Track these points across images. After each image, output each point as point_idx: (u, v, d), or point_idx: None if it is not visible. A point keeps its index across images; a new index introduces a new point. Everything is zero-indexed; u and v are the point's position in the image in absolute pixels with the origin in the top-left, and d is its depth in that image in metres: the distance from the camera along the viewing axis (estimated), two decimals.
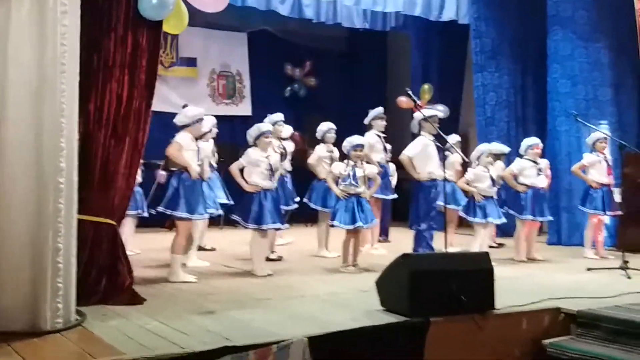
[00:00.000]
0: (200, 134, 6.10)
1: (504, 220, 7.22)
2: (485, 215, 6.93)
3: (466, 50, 11.34)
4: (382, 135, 8.14)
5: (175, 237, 5.55)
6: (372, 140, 7.84)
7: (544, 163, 7.82)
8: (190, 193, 5.46)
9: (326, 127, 8.27)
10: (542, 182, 7.50)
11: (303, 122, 13.12)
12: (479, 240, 6.90)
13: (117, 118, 4.51)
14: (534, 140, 7.67)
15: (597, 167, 7.61)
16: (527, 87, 10.53)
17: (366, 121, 8.37)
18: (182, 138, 5.62)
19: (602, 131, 8.21)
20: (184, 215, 5.43)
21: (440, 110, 11.11)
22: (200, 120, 5.83)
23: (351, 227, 6.18)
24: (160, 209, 5.48)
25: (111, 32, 4.50)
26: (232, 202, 7.19)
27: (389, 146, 8.31)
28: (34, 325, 3.54)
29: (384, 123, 8.24)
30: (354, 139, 6.56)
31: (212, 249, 7.82)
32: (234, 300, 4.65)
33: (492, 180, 7.10)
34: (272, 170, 6.09)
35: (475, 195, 7.01)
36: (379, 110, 8.30)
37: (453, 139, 7.94)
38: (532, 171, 7.41)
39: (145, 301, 4.43)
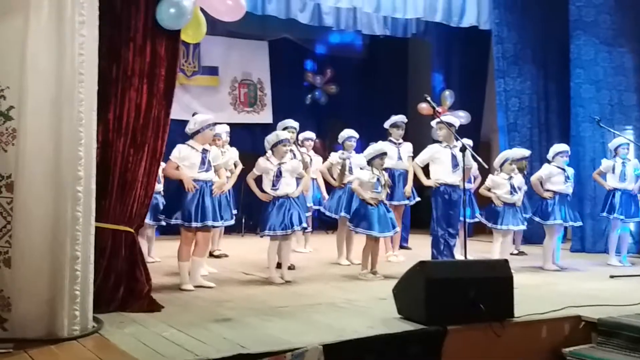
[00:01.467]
0: (211, 140, 6.10)
1: (523, 227, 7.16)
2: (502, 222, 6.87)
3: (488, 56, 11.27)
4: (398, 142, 8.01)
5: (179, 244, 5.58)
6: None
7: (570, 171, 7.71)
8: (188, 201, 5.44)
9: (347, 134, 8.32)
10: (569, 189, 7.40)
11: (324, 129, 13.16)
12: (497, 247, 6.84)
13: (136, 127, 4.56)
14: (563, 147, 7.56)
15: (616, 172, 7.58)
16: (550, 93, 10.44)
17: (386, 125, 8.33)
18: (180, 151, 5.58)
19: (625, 137, 8.12)
20: (179, 222, 5.48)
21: (461, 117, 11.07)
22: (210, 126, 5.80)
23: (382, 234, 6.23)
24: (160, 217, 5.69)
25: (130, 41, 4.55)
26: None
27: (408, 152, 8.16)
28: (51, 333, 3.58)
29: (400, 132, 8.23)
30: (379, 146, 6.52)
31: (222, 256, 7.80)
32: (250, 307, 4.66)
33: (513, 187, 7.04)
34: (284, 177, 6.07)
35: (495, 200, 6.99)
36: (398, 118, 8.22)
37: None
38: (559, 178, 7.31)
39: (162, 308, 4.46)
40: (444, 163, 6.74)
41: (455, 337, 3.97)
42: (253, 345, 3.48)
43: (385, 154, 6.48)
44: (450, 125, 6.69)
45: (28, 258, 3.57)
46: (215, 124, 6.09)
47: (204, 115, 6.03)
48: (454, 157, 6.70)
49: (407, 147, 8.18)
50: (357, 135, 8.47)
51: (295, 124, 7.96)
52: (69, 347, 3.52)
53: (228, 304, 4.83)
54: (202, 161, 5.62)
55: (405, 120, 8.42)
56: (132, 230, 4.51)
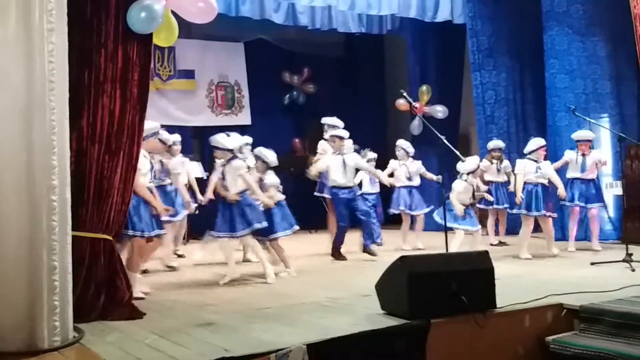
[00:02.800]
0: (159, 148, 6.15)
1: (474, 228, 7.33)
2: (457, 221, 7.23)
3: (463, 49, 11.33)
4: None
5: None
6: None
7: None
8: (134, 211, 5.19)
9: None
10: (540, 180, 7.54)
11: (303, 128, 13.17)
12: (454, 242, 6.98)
13: (111, 133, 4.51)
14: (540, 142, 7.77)
15: (572, 164, 7.88)
16: (526, 84, 10.52)
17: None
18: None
19: (600, 124, 8.21)
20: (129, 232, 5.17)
21: (439, 111, 11.15)
22: (155, 134, 5.70)
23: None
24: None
25: (101, 47, 4.51)
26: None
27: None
28: (31, 345, 3.52)
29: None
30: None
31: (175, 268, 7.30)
32: (233, 310, 4.63)
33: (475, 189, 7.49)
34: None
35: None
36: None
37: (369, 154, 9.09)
38: (531, 168, 7.42)
39: (144, 315, 4.42)
40: (334, 167, 7.74)
41: (439, 330, 3.97)
42: (236, 348, 3.46)
43: None
44: (341, 138, 7.89)
45: (4, 270, 3.51)
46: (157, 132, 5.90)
47: (151, 122, 5.81)
48: (344, 162, 7.71)
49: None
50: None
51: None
52: (50, 358, 3.47)
53: (210, 307, 4.80)
54: (151, 168, 5.54)
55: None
56: (110, 238, 4.47)
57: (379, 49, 13.86)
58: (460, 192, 7.43)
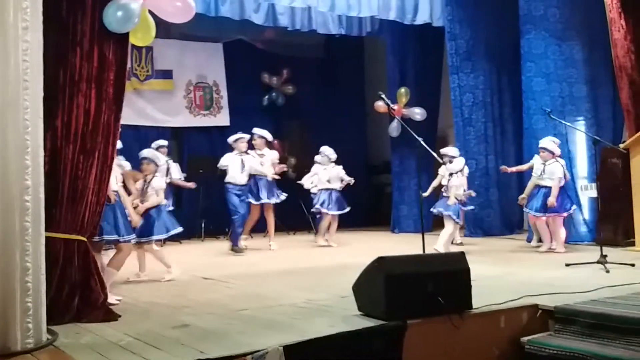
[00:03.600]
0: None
1: None
2: None
3: (442, 52, 11.41)
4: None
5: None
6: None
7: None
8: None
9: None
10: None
11: (282, 130, 13.16)
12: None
13: (86, 133, 4.47)
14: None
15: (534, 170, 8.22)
16: (503, 87, 10.62)
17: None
18: None
19: (576, 127, 8.32)
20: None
21: (417, 113, 11.20)
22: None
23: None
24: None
25: (77, 46, 4.46)
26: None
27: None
28: (3, 347, 3.47)
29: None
30: None
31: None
32: (210, 312, 4.60)
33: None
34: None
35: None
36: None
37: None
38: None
39: (119, 317, 4.37)
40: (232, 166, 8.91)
41: (415, 331, 3.98)
42: (212, 350, 3.44)
43: None
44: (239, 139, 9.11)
45: None
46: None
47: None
48: (242, 162, 8.93)
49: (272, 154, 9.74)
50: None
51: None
52: None
53: (187, 309, 4.76)
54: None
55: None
56: (84, 239, 4.41)
57: (359, 51, 13.90)
58: (457, 186, 8.06)
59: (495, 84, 10.57)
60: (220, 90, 12.54)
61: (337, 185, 9.92)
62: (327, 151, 10.03)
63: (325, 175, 9.94)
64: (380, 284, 4.10)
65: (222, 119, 12.49)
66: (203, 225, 10.99)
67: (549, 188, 7.89)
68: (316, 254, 8.96)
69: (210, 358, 3.30)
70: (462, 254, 4.51)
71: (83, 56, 4.48)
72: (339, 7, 9.74)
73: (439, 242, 7.56)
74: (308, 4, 9.65)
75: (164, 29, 6.03)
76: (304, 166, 12.49)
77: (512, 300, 4.54)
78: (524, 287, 5.05)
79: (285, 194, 9.62)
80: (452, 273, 4.33)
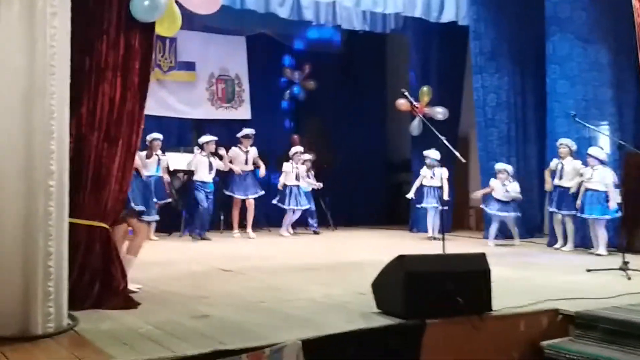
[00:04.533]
0: None
1: None
2: None
3: (465, 51, 11.32)
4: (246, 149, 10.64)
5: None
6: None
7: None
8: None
9: None
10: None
11: (302, 125, 13.15)
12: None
13: (110, 121, 4.48)
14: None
15: (557, 172, 8.66)
16: (527, 89, 10.52)
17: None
18: None
19: (600, 131, 8.24)
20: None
21: (439, 112, 11.14)
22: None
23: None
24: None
25: (103, 34, 4.47)
26: None
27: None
28: (25, 330, 3.49)
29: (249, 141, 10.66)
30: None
31: None
32: (228, 303, 4.61)
33: None
34: None
35: None
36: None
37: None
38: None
39: (139, 305, 4.39)
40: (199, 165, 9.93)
41: (434, 331, 3.96)
42: (231, 341, 3.44)
43: None
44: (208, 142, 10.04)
45: (0, 254, 3.49)
46: None
47: None
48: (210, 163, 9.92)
49: (253, 151, 10.72)
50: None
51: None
52: (44, 344, 3.44)
53: (206, 300, 4.77)
54: None
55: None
56: (107, 226, 4.44)
57: (381, 48, 13.82)
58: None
59: (519, 85, 10.48)
60: (242, 83, 12.55)
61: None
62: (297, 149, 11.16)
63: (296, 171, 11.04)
64: (399, 282, 4.08)
65: (244, 112, 12.49)
66: (222, 217, 11.02)
67: (596, 191, 8.00)
68: (335, 249, 8.95)
69: (229, 349, 3.31)
70: (483, 254, 4.47)
71: (109, 44, 4.49)
72: (364, 2, 9.70)
73: None
74: None
75: (188, 21, 6.02)
76: (323, 162, 12.50)
77: (532, 304, 4.51)
78: (544, 291, 5.00)
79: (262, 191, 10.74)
80: (473, 274, 4.30)
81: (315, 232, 11.34)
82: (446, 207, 10.07)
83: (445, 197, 9.88)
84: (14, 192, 3.53)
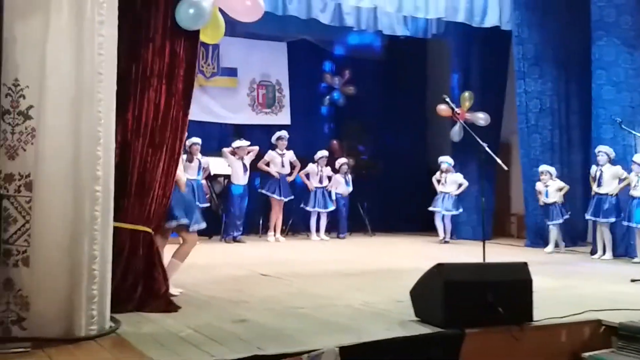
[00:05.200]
0: None
1: None
2: None
3: (508, 56, 11.20)
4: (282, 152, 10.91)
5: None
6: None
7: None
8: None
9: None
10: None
11: (342, 130, 13.17)
12: None
13: (155, 127, 4.56)
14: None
15: (595, 178, 8.72)
16: (571, 94, 10.35)
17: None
18: None
19: None
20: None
21: (481, 118, 11.03)
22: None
23: None
24: None
25: (149, 42, 4.56)
26: None
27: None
28: (68, 332, 3.58)
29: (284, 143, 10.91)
30: None
31: None
32: (267, 308, 4.65)
33: None
34: None
35: None
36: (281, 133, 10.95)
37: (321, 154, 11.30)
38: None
39: (179, 309, 4.46)
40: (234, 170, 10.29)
41: (473, 341, 3.92)
42: (269, 347, 3.47)
43: None
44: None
45: (46, 257, 3.58)
46: None
47: None
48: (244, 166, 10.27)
49: (290, 154, 10.97)
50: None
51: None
52: (87, 346, 3.52)
53: (245, 304, 4.82)
54: None
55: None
56: (150, 230, 4.52)
57: (422, 53, 13.76)
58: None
59: (563, 91, 10.32)
60: (283, 89, 12.64)
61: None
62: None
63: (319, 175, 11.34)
64: (438, 291, 4.05)
65: (284, 117, 12.59)
66: (261, 221, 11.12)
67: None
68: (372, 255, 8.94)
69: (267, 354, 3.33)
70: (525, 264, 4.41)
71: (155, 52, 4.58)
72: (405, 8, 9.68)
73: None
74: (375, 4, 9.62)
75: (230, 27, 6.11)
76: (362, 167, 12.49)
77: (574, 315, 4.43)
78: (586, 301, 4.91)
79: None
80: (514, 283, 4.24)
81: (340, 237, 11.50)
82: (459, 211, 10.94)
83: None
84: (61, 197, 3.62)
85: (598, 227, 8.69)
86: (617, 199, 8.49)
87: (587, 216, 8.88)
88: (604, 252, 8.59)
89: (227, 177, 10.53)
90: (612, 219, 8.49)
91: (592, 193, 8.75)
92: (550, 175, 9.32)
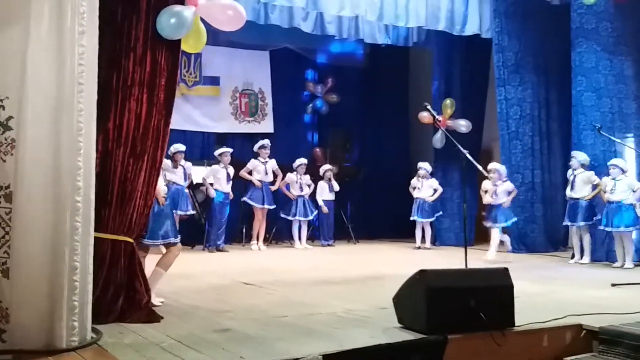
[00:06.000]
0: None
1: None
2: None
3: (488, 64, 11.29)
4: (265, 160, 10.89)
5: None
6: None
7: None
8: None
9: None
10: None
11: (325, 138, 13.21)
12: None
13: (136, 136, 4.56)
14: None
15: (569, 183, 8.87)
16: (551, 101, 10.46)
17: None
18: None
19: (626, 144, 8.19)
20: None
21: (462, 125, 11.11)
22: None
23: None
24: None
25: (130, 51, 4.56)
26: None
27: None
28: (49, 344, 3.55)
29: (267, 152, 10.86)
30: None
31: None
32: (250, 318, 4.63)
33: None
34: None
35: None
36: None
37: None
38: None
39: (162, 319, 4.44)
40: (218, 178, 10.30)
41: (456, 347, 3.94)
42: (252, 356, 3.47)
43: None
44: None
45: (26, 268, 3.56)
46: None
47: None
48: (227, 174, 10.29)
49: (272, 163, 10.90)
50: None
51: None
52: (68, 358, 3.50)
53: (228, 314, 4.80)
54: None
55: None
56: (131, 240, 4.50)
57: (404, 61, 13.84)
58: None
59: (543, 98, 10.43)
60: (266, 97, 12.66)
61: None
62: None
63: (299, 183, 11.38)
64: (421, 297, 4.07)
65: (267, 125, 12.60)
66: (244, 230, 11.10)
67: (621, 203, 8.05)
68: (356, 263, 8.95)
69: None
70: (506, 269, 4.45)
71: (136, 61, 4.58)
72: (386, 16, 9.73)
73: None
74: (356, 13, 9.66)
75: (212, 36, 6.13)
76: (346, 175, 12.52)
77: (555, 319, 4.47)
78: (567, 306, 4.95)
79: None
80: (495, 289, 4.28)
81: (326, 245, 11.52)
82: (437, 214, 11.14)
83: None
84: (41, 207, 3.60)
85: (575, 231, 8.79)
86: (589, 203, 8.62)
87: (565, 222, 8.95)
88: (582, 255, 8.68)
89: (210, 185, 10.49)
90: (588, 222, 8.60)
91: (567, 197, 8.88)
92: (500, 175, 9.05)
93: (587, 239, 8.66)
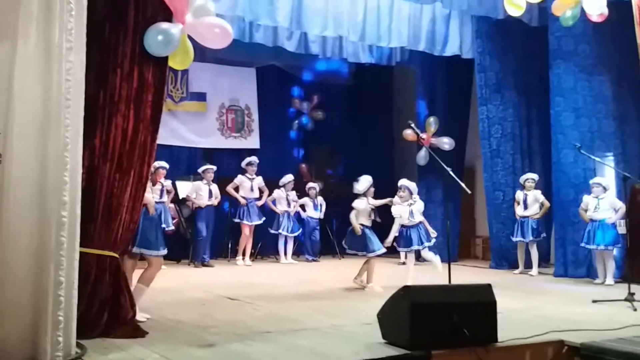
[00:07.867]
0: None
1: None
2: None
3: (471, 83, 11.42)
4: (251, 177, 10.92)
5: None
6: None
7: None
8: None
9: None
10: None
11: (310, 154, 13.25)
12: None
13: (122, 152, 4.58)
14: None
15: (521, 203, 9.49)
16: (532, 120, 10.59)
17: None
18: None
19: (605, 163, 8.32)
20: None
21: (446, 143, 11.22)
22: None
23: None
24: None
25: (117, 67, 4.60)
26: None
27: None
28: (33, 358, 3.55)
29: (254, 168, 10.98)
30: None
31: None
32: (234, 333, 4.65)
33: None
34: None
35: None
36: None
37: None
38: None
39: (147, 334, 4.44)
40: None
41: None
42: None
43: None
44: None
45: (11, 282, 3.56)
46: None
47: None
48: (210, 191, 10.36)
49: (259, 180, 10.93)
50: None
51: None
52: None
53: (212, 329, 4.81)
54: None
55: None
56: (116, 255, 4.51)
57: (388, 79, 13.93)
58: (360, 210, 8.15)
59: (524, 117, 10.55)
60: (252, 113, 12.69)
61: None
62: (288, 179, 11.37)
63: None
64: (405, 313, 4.12)
65: (253, 141, 12.62)
66: (230, 245, 11.10)
67: (603, 221, 8.17)
68: (340, 278, 8.95)
69: None
70: (489, 286, 4.51)
71: (123, 77, 4.62)
72: (369, 37, 9.82)
73: None
74: (339, 34, 9.76)
75: (199, 53, 6.19)
76: (330, 191, 12.56)
77: (538, 335, 4.53)
78: (549, 322, 5.02)
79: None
80: (479, 305, 4.34)
81: (312, 260, 11.51)
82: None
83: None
84: (27, 222, 3.61)
85: (521, 246, 9.56)
86: (537, 221, 9.39)
87: (515, 238, 9.55)
88: (530, 267, 9.41)
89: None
90: (537, 238, 9.36)
91: (517, 217, 9.50)
92: (411, 193, 8.53)
93: (535, 253, 9.40)
